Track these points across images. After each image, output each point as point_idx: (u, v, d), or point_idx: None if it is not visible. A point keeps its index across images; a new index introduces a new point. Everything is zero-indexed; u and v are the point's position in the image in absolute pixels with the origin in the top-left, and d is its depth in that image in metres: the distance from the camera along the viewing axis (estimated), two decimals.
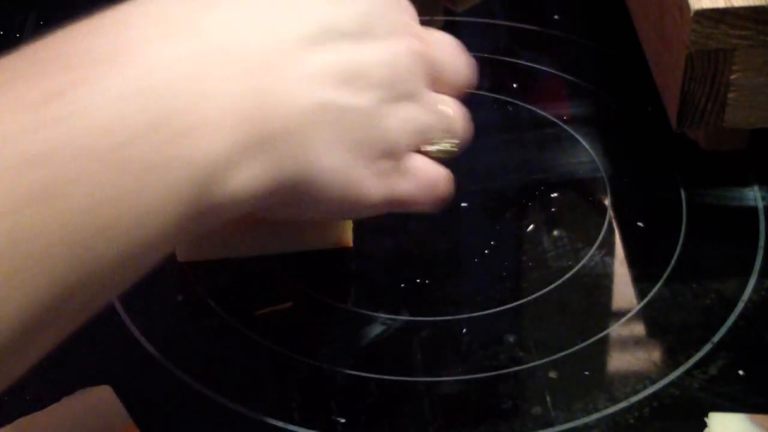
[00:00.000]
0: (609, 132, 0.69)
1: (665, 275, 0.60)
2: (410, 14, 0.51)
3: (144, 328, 0.58)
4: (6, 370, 0.39)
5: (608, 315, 0.59)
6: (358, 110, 0.46)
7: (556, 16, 0.78)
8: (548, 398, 0.54)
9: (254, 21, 0.44)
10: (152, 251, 0.42)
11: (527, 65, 0.75)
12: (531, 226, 0.63)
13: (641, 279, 0.60)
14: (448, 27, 0.78)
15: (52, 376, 0.56)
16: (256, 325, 0.58)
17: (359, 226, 0.62)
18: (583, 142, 0.68)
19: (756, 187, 0.65)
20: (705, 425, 0.51)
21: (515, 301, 0.59)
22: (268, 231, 0.61)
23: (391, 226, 0.64)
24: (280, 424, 0.54)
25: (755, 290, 0.59)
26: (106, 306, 0.60)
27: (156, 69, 0.41)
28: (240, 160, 0.42)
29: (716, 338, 0.57)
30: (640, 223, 0.63)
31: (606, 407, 0.54)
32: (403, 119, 0.48)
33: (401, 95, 0.48)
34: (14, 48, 0.40)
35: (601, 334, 0.58)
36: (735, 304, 0.58)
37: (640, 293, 0.60)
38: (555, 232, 0.63)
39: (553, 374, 0.55)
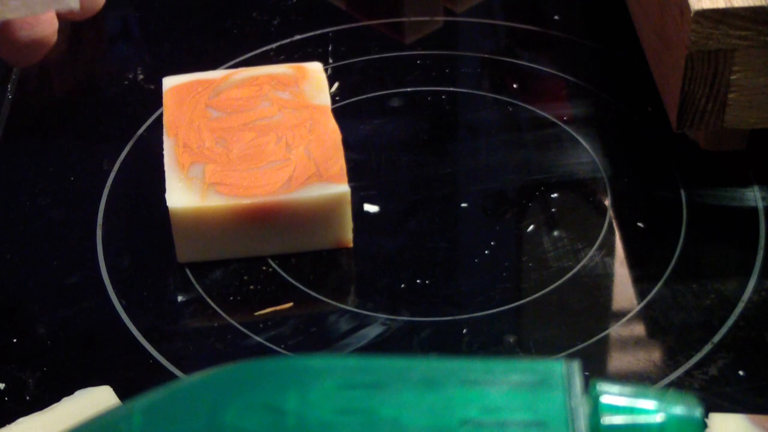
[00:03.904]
0: (609, 132, 0.69)
1: (665, 275, 0.60)
2: None
3: (144, 328, 0.58)
4: None
5: (608, 315, 0.59)
6: None
7: (556, 16, 0.78)
8: None
9: None
10: None
11: (527, 65, 0.75)
12: (531, 227, 0.63)
13: (641, 279, 0.60)
14: (448, 27, 0.79)
15: (52, 376, 0.56)
16: (256, 325, 0.58)
17: (359, 226, 0.62)
18: (583, 142, 0.68)
19: (756, 187, 0.65)
20: (705, 425, 0.51)
21: (515, 301, 0.59)
22: (268, 231, 0.61)
23: (391, 226, 0.64)
24: None
25: (755, 290, 0.59)
26: (106, 306, 0.60)
27: None
28: None
29: (716, 338, 0.57)
30: (640, 224, 0.63)
31: None
32: None
33: None
34: None
35: (601, 335, 0.58)
36: (735, 305, 0.58)
37: (640, 293, 0.60)
38: (555, 233, 0.63)
39: None
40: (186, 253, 0.61)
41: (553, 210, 0.64)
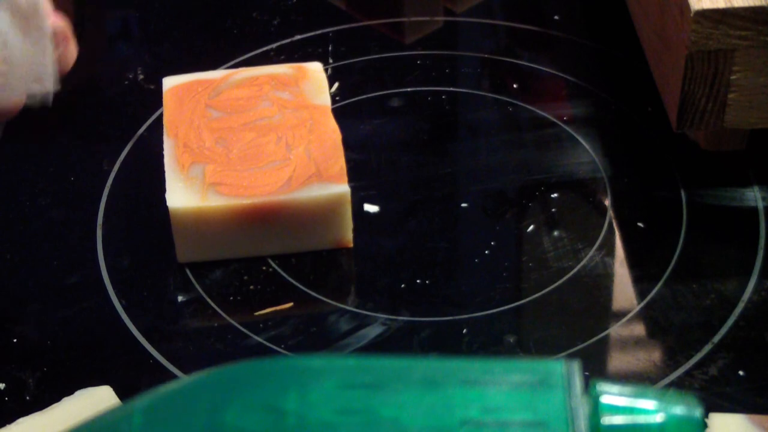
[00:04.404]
0: (609, 132, 0.69)
1: (665, 275, 0.60)
2: None
3: (144, 328, 0.58)
4: None
5: (608, 315, 0.59)
6: None
7: (556, 17, 0.78)
8: None
9: None
10: None
11: (527, 65, 0.75)
12: (531, 227, 0.63)
13: (641, 279, 0.60)
14: (448, 27, 0.79)
15: (52, 376, 0.56)
16: (256, 325, 0.58)
17: (359, 226, 0.62)
18: (583, 142, 0.68)
19: (756, 187, 0.65)
20: (705, 425, 0.51)
21: (515, 301, 0.59)
22: (268, 231, 0.61)
23: (391, 226, 0.64)
24: None
25: (755, 290, 0.59)
26: (106, 306, 0.60)
27: None
28: None
29: (716, 338, 0.57)
30: (640, 224, 0.63)
31: None
32: None
33: None
34: None
35: (601, 335, 0.58)
36: (735, 305, 0.58)
37: (641, 293, 0.60)
38: (555, 233, 0.63)
39: None
40: (186, 253, 0.61)
41: (553, 210, 0.64)
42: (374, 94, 0.73)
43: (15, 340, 0.58)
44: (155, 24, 0.81)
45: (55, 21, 0.57)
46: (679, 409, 0.36)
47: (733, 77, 0.59)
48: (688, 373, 0.55)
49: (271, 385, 0.38)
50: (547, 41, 0.77)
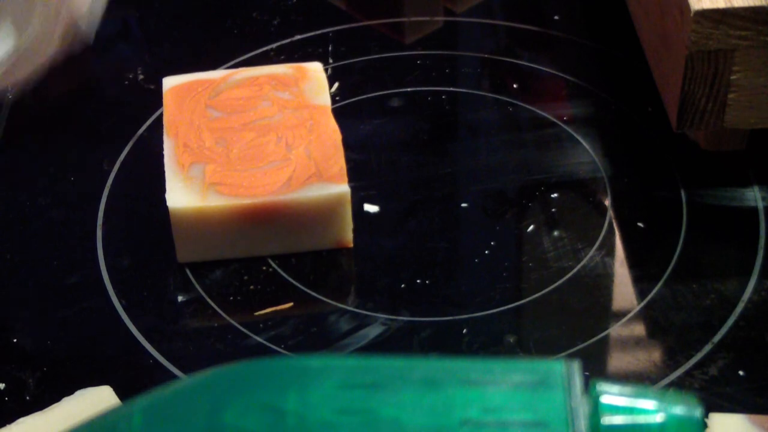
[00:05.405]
0: (609, 132, 0.69)
1: (665, 275, 0.60)
2: None
3: (144, 328, 0.58)
4: None
5: (608, 315, 0.59)
6: None
7: (556, 17, 0.78)
8: None
9: None
10: None
11: (527, 65, 0.75)
12: (531, 227, 0.63)
13: (641, 279, 0.60)
14: (448, 27, 0.79)
15: (52, 376, 0.56)
16: (256, 325, 0.58)
17: (359, 226, 0.62)
18: (583, 142, 0.68)
19: (756, 187, 0.65)
20: (705, 425, 0.51)
21: (515, 301, 0.59)
22: (268, 231, 0.61)
23: (391, 226, 0.64)
24: None
25: (755, 290, 0.59)
26: (106, 306, 0.60)
27: None
28: None
29: (716, 338, 0.57)
30: (640, 224, 0.63)
31: None
32: None
33: None
34: None
35: (601, 335, 0.58)
36: (735, 305, 0.58)
37: (640, 293, 0.60)
38: (555, 233, 0.63)
39: None
40: (186, 253, 0.61)
41: (553, 210, 0.64)
42: (374, 94, 0.73)
43: (15, 340, 0.58)
44: (155, 24, 0.81)
45: None
46: (679, 409, 0.36)
47: (733, 77, 0.59)
48: (688, 373, 0.55)
49: (271, 385, 0.38)
50: (547, 41, 0.77)
